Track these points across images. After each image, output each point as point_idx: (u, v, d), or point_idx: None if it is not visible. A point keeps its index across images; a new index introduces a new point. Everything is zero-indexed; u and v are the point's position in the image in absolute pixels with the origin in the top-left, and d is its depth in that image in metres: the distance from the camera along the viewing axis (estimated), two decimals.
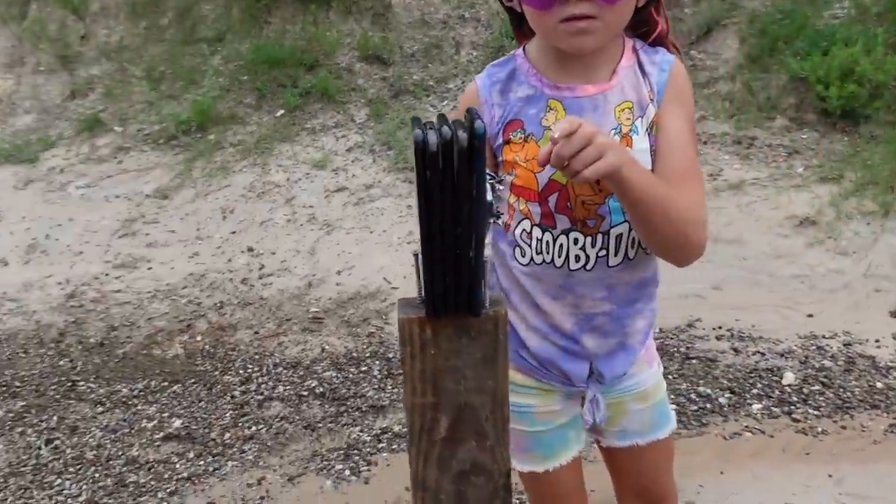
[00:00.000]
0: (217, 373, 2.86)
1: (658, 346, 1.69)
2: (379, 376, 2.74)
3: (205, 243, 3.84)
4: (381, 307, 3.20)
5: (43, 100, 5.74)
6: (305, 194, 4.15)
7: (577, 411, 1.26)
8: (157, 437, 2.55)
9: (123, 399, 2.77)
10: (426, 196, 0.69)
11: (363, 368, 2.79)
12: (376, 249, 3.62)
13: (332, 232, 3.83)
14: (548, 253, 1.14)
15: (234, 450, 2.44)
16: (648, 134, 1.09)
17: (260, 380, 2.79)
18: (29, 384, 2.92)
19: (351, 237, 3.75)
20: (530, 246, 1.15)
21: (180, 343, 3.08)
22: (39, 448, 2.54)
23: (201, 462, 2.39)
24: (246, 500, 2.20)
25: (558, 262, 1.14)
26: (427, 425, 0.81)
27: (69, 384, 2.89)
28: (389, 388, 2.68)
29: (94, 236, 4.05)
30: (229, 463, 2.38)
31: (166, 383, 2.83)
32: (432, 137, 0.68)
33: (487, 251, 0.75)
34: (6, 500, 2.32)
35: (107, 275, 3.68)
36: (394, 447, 2.39)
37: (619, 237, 1.12)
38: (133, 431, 2.58)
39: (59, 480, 2.38)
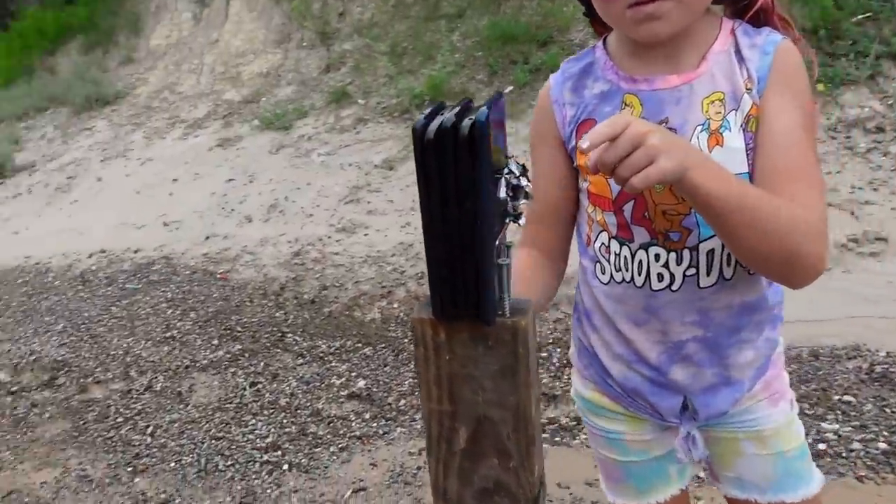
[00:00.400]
0: (406, 340, 2.97)
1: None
2: (557, 364, 2.68)
3: (417, 215, 4.00)
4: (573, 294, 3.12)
5: (302, 73, 6.28)
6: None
7: (674, 444, 1.08)
8: (342, 394, 2.71)
9: (321, 354, 2.98)
10: (426, 188, 0.64)
11: (543, 354, 2.74)
12: None
13: None
14: (627, 270, 0.99)
15: (406, 417, 2.53)
16: (744, 130, 0.91)
17: None
18: (248, 330, 3.26)
19: None
20: (609, 262, 1.01)
21: (378, 308, 3.24)
22: (244, 389, 2.82)
23: (374, 424, 2.51)
24: (405, 468, 2.27)
25: (638, 280, 0.98)
26: (445, 434, 0.76)
27: (279, 335, 3.17)
28: (566, 377, 2.61)
29: (324, 201, 4.38)
30: (398, 429, 2.46)
31: (360, 345, 3.00)
32: (432, 125, 0.63)
33: (511, 256, 0.69)
34: (209, 430, 2.61)
35: (329, 237, 3.97)
36: (556, 439, 2.33)
37: (710, 253, 0.94)
38: (322, 386, 2.77)
39: (253, 421, 2.63)
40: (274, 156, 5.22)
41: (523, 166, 0.69)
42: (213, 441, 2.55)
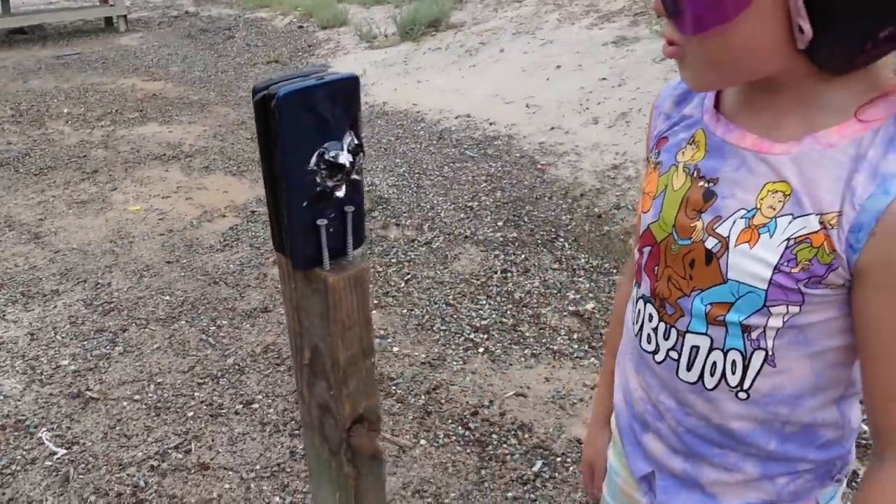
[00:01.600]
0: None
1: None
2: None
3: None
4: None
5: None
6: None
7: None
8: (569, 308, 2.80)
9: (575, 266, 3.08)
10: (260, 142, 0.76)
11: None
12: None
13: None
14: (633, 311, 0.90)
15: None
16: (788, 246, 0.70)
17: None
18: (532, 223, 3.47)
19: None
20: (635, 281, 0.90)
21: None
22: (495, 272, 3.08)
23: (576, 346, 2.58)
24: (570, 393, 2.35)
25: (635, 329, 0.88)
26: (297, 348, 0.89)
27: (554, 235, 3.33)
28: None
29: None
30: (591, 358, 2.51)
31: (613, 270, 3.03)
32: (261, 90, 0.73)
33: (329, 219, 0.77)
34: (448, 295, 2.94)
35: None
36: None
37: (694, 349, 0.80)
38: (558, 294, 2.89)
39: (484, 301, 2.88)
40: (656, 65, 5.12)
41: (359, 145, 0.74)
42: (444, 305, 2.88)
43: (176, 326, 2.84)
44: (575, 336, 2.65)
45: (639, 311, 0.87)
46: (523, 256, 3.19)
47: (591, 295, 2.88)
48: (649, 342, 0.86)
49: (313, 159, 0.75)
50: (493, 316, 2.80)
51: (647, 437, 0.90)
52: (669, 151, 0.82)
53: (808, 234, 0.69)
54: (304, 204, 0.76)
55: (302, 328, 0.87)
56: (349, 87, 0.74)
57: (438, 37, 6.90)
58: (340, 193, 0.77)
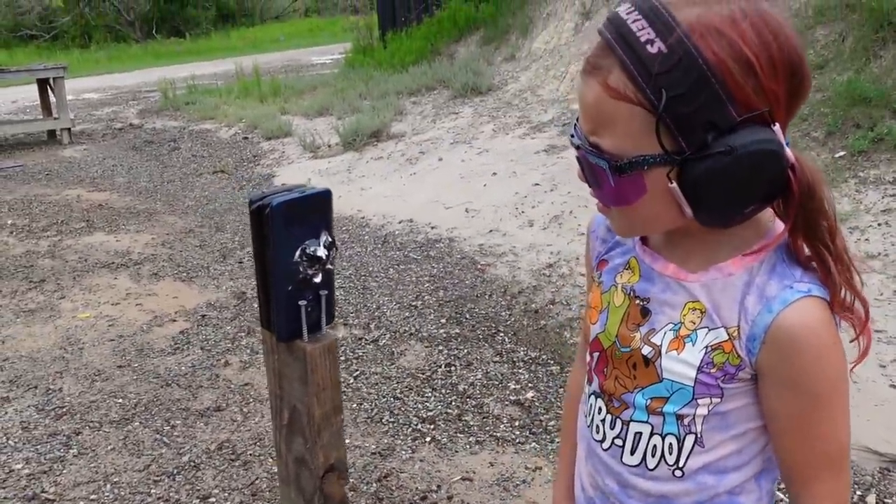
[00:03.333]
0: None
1: None
2: None
3: None
4: None
5: None
6: None
7: None
8: (510, 398, 2.97)
9: (515, 359, 3.27)
10: (253, 241, 0.95)
11: None
12: None
13: None
14: (585, 404, 1.04)
15: (547, 437, 2.72)
16: (706, 352, 0.87)
17: None
18: (473, 319, 3.67)
19: None
20: (587, 380, 1.04)
21: None
22: (439, 367, 3.25)
23: (518, 432, 2.74)
24: (513, 476, 2.49)
25: (587, 419, 1.02)
26: (277, 410, 1.06)
27: (494, 331, 3.53)
28: None
29: None
30: (532, 443, 2.67)
31: (551, 361, 3.22)
32: (257, 200, 0.93)
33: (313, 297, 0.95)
34: (395, 389, 3.08)
35: None
36: None
37: (637, 435, 0.94)
38: (500, 385, 3.07)
39: (430, 394, 3.04)
40: None
41: (331, 242, 0.94)
42: (392, 398, 3.02)
43: (130, 428, 2.90)
44: (516, 423, 2.81)
45: (590, 405, 1.01)
46: (466, 351, 3.37)
47: (530, 385, 3.06)
48: (598, 432, 0.99)
49: (297, 253, 0.94)
50: (439, 407, 2.95)
51: None
52: (610, 274, 1.00)
53: (720, 342, 0.86)
54: (290, 288, 0.94)
55: (282, 392, 1.03)
56: (324, 198, 0.94)
57: (380, 146, 7.26)
58: (318, 280, 0.95)
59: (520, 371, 3.18)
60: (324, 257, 0.94)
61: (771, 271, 0.84)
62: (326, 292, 0.96)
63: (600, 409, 0.99)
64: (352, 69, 11.19)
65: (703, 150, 0.77)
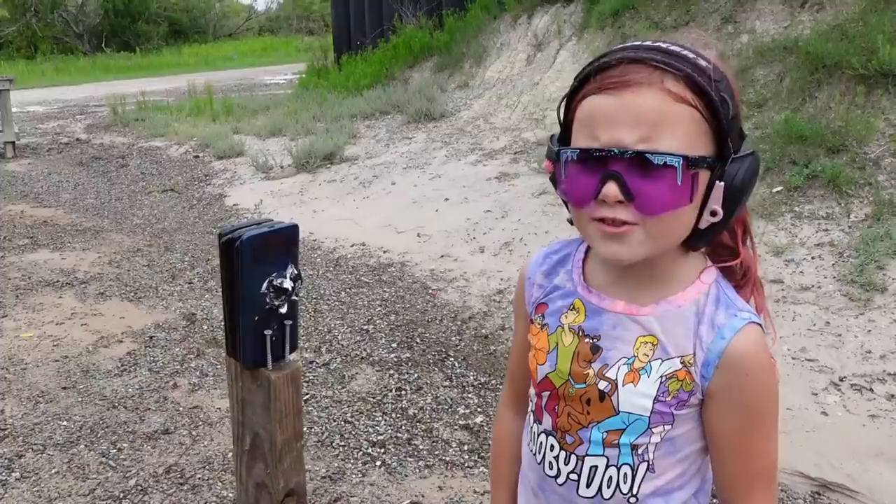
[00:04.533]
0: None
1: None
2: None
3: None
4: None
5: None
6: None
7: None
8: (459, 422, 3.02)
9: (465, 384, 3.32)
10: (222, 272, 0.99)
11: None
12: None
13: None
14: (533, 443, 1.07)
15: None
16: (661, 382, 0.94)
17: None
18: (423, 344, 3.71)
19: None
20: (529, 430, 1.08)
21: None
22: (390, 391, 3.29)
23: (466, 456, 2.79)
24: (462, 500, 2.54)
25: (538, 457, 1.05)
26: (239, 436, 1.09)
27: (444, 355, 3.59)
28: None
29: None
30: (482, 468, 2.73)
31: (500, 386, 3.29)
32: (227, 234, 0.98)
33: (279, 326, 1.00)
34: (346, 414, 3.10)
35: None
36: None
37: (593, 469, 0.99)
38: (449, 410, 3.12)
39: (380, 418, 3.07)
40: (534, 199, 5.63)
41: (297, 274, 0.99)
42: (343, 423, 3.04)
43: (75, 451, 2.86)
44: (465, 447, 2.86)
45: (541, 443, 1.04)
46: (416, 375, 3.42)
47: (479, 409, 3.12)
48: (551, 468, 1.03)
49: (264, 285, 0.98)
50: (389, 431, 2.98)
51: None
52: (553, 315, 1.03)
53: (675, 371, 0.93)
54: (256, 318, 0.99)
55: (244, 418, 1.07)
56: (291, 233, 0.99)
57: (333, 169, 7.29)
58: (283, 310, 1.00)
59: (469, 396, 3.23)
60: (290, 289, 0.98)
61: (717, 301, 0.93)
62: (291, 322, 1.00)
63: (552, 446, 1.02)
64: (306, 90, 11.22)
65: (738, 153, 0.87)
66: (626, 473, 0.98)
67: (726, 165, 0.87)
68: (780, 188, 4.97)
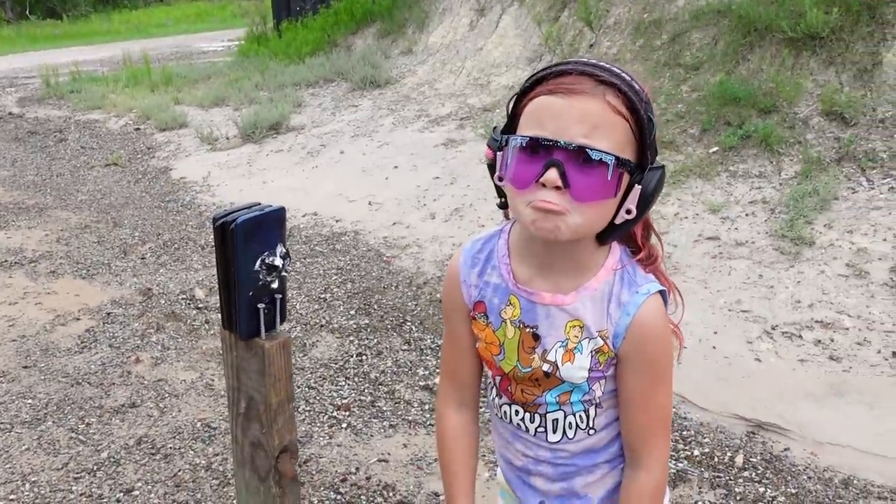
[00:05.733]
0: None
1: None
2: None
3: None
4: None
5: None
6: (676, 235, 4.27)
7: None
8: (420, 383, 3.16)
9: (423, 347, 3.46)
10: (217, 253, 1.09)
11: None
12: (707, 313, 3.62)
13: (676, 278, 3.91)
14: (499, 411, 1.25)
15: None
16: (592, 356, 1.12)
17: None
18: (381, 310, 3.83)
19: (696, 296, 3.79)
20: (492, 393, 1.25)
21: None
22: (351, 356, 3.40)
23: (429, 415, 2.93)
24: (426, 455, 2.69)
25: (505, 420, 1.24)
26: (234, 400, 1.20)
27: (402, 320, 3.71)
28: None
29: (500, 215, 4.83)
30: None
31: None
32: (220, 218, 1.07)
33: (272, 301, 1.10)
34: (309, 380, 3.21)
35: None
36: None
37: (555, 421, 1.19)
38: (409, 372, 3.25)
39: (343, 382, 3.19)
40: (482, 165, 5.75)
41: (286, 252, 1.09)
42: (307, 388, 3.15)
43: (43, 427, 2.91)
44: (426, 407, 3.01)
45: (505, 412, 1.23)
46: (376, 340, 3.54)
47: (438, 371, 3.26)
48: (520, 427, 1.23)
49: (258, 263, 1.08)
50: (353, 395, 3.11)
51: (533, 479, 1.27)
52: (494, 313, 1.18)
53: (600, 346, 1.12)
54: (251, 294, 1.09)
55: (240, 384, 1.17)
56: (280, 215, 1.09)
57: (280, 139, 7.27)
58: (275, 286, 1.10)
59: (428, 358, 3.37)
60: (280, 266, 1.09)
61: (622, 281, 1.11)
62: (281, 296, 1.11)
63: (517, 411, 1.22)
64: (246, 58, 11.06)
65: (653, 165, 1.03)
66: (581, 416, 1.19)
67: (644, 173, 1.02)
68: (716, 149, 5.19)
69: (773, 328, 3.27)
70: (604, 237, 1.07)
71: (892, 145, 4.63)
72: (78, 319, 3.88)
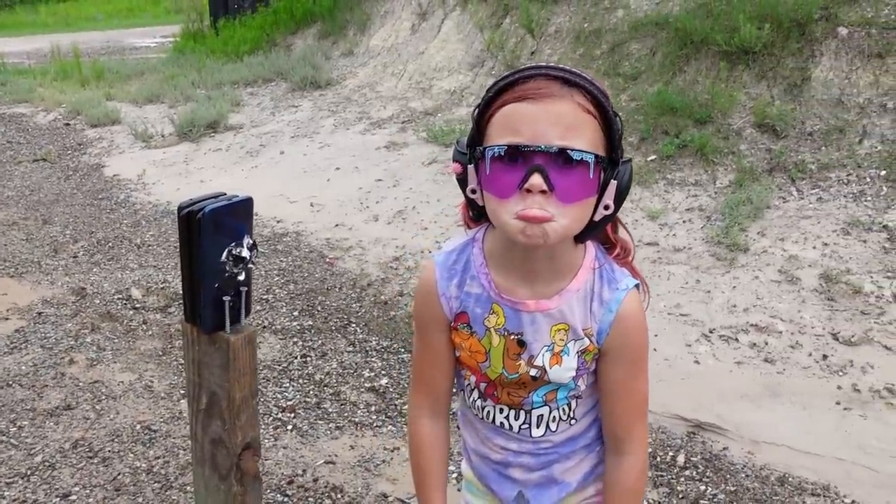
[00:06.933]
0: None
1: None
2: None
3: None
4: None
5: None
6: None
7: None
8: (365, 385, 3.14)
9: (368, 349, 3.44)
10: (181, 243, 1.06)
11: None
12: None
13: None
14: (480, 412, 1.26)
15: (403, 420, 2.92)
16: (579, 356, 1.15)
17: None
18: (325, 312, 3.79)
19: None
20: (472, 396, 1.25)
21: None
22: (295, 358, 3.36)
23: (374, 416, 2.91)
24: (374, 457, 2.67)
25: (486, 419, 1.25)
26: (195, 396, 1.17)
27: (346, 322, 3.68)
28: None
29: (444, 219, 4.83)
30: (389, 426, 2.86)
31: (402, 350, 3.42)
32: (185, 207, 1.04)
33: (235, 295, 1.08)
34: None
35: (430, 252, 4.42)
36: None
37: (539, 417, 1.22)
38: (355, 374, 3.23)
39: (287, 384, 3.14)
40: (424, 168, 5.76)
41: (253, 244, 1.08)
42: None
43: None
44: (373, 408, 2.99)
45: (488, 412, 1.25)
46: (320, 342, 3.50)
47: (383, 372, 3.25)
48: (503, 426, 1.24)
49: (224, 254, 1.06)
50: (298, 396, 3.07)
51: (511, 471, 1.29)
52: (477, 322, 1.17)
53: (586, 346, 1.15)
54: (216, 285, 1.06)
55: (201, 379, 1.14)
56: (247, 205, 1.07)
57: (217, 138, 7.14)
58: (241, 277, 1.08)
59: (373, 360, 3.35)
60: (247, 257, 1.06)
61: (601, 279, 1.14)
62: (246, 289, 1.09)
63: (501, 409, 1.23)
64: (182, 55, 10.81)
65: (623, 159, 1.05)
66: (564, 409, 1.22)
67: (618, 167, 1.04)
68: (654, 157, 5.32)
69: (711, 331, 3.37)
70: (582, 236, 1.08)
71: (819, 157, 4.82)
72: (7, 319, 3.72)
